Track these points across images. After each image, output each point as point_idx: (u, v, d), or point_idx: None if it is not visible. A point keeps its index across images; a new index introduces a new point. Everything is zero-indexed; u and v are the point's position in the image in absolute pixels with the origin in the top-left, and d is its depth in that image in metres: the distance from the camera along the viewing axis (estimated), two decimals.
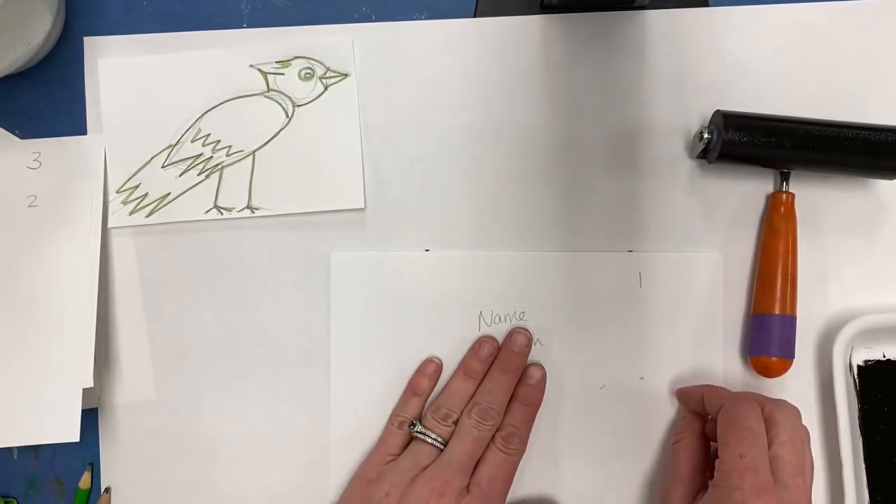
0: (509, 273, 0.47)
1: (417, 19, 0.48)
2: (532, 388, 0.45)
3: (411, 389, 0.46)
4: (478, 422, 0.44)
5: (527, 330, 0.46)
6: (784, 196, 0.46)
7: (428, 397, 0.46)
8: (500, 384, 0.45)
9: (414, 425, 0.45)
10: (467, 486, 0.42)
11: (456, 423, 0.44)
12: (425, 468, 0.43)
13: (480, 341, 0.46)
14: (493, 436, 0.44)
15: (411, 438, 0.45)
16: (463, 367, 0.46)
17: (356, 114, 0.47)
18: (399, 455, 0.44)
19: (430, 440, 0.44)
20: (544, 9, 0.48)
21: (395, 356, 0.47)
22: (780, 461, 0.38)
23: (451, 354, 0.47)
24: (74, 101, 0.48)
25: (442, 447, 0.44)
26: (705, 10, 0.48)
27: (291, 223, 0.47)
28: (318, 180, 0.47)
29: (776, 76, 0.47)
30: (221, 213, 0.47)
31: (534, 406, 0.46)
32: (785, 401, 0.42)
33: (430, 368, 0.46)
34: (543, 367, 0.46)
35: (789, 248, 0.45)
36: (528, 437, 0.45)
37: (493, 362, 0.46)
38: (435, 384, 0.46)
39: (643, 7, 0.47)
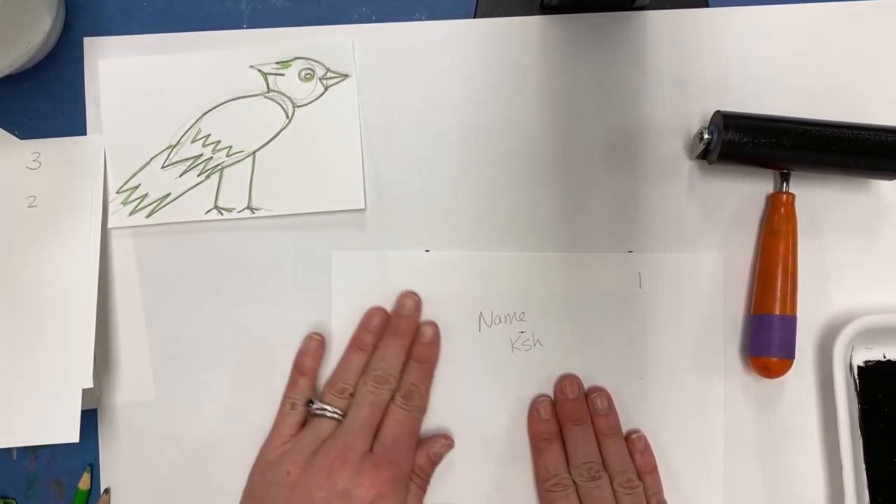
0: (509, 273, 0.47)
1: (417, 20, 0.48)
2: (426, 345, 0.46)
3: (297, 370, 0.46)
4: (374, 387, 0.43)
5: (415, 293, 0.46)
6: (784, 196, 0.46)
7: (315, 375, 0.46)
8: (392, 348, 0.45)
9: (312, 403, 0.44)
10: (371, 449, 0.42)
11: (353, 395, 0.44)
12: (326, 440, 0.43)
13: (370, 313, 0.46)
14: (393, 396, 0.44)
15: (309, 417, 0.45)
16: (354, 340, 0.46)
17: (356, 114, 0.47)
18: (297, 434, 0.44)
19: (328, 414, 0.44)
20: (544, 9, 0.48)
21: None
22: None
23: (450, 354, 0.47)
24: (74, 101, 0.48)
25: (341, 419, 0.43)
26: (705, 10, 0.48)
27: (291, 223, 0.47)
28: (318, 181, 0.47)
29: (776, 76, 0.47)
30: (221, 214, 0.47)
31: (429, 364, 0.46)
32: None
33: (311, 346, 0.46)
34: (436, 325, 0.46)
35: (789, 249, 0.45)
36: (427, 395, 0.45)
37: (383, 332, 0.46)
38: (320, 362, 0.46)
39: (643, 7, 0.47)
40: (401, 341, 0.45)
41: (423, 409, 0.45)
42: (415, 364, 0.45)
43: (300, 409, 0.45)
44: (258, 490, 0.43)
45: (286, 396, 0.46)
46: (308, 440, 0.43)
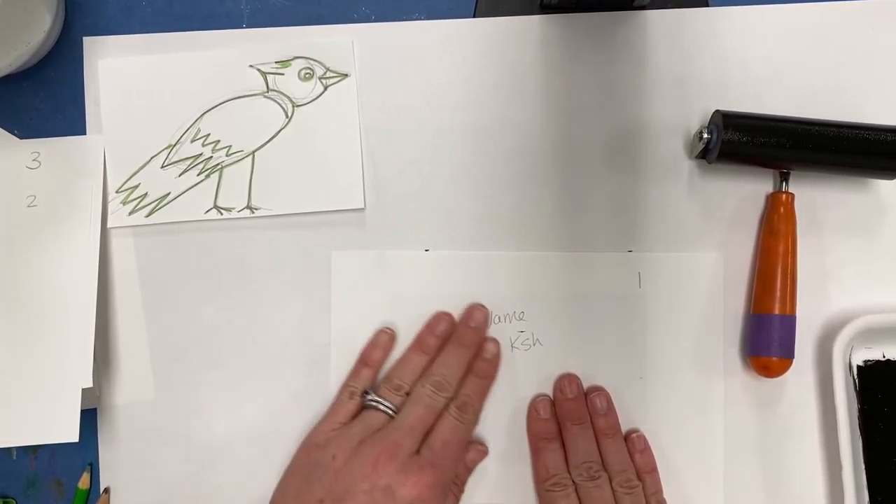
0: (509, 273, 0.47)
1: (417, 19, 0.48)
2: (488, 362, 0.46)
3: (363, 360, 0.46)
4: (432, 391, 0.43)
5: (484, 306, 0.46)
6: (784, 196, 0.46)
7: (379, 368, 0.46)
8: (455, 357, 0.45)
9: (367, 394, 0.44)
10: (418, 451, 0.42)
11: (408, 394, 0.44)
12: (376, 432, 0.42)
13: (437, 317, 0.46)
14: (447, 406, 0.44)
15: (363, 408, 0.44)
16: (417, 341, 0.46)
17: (356, 114, 0.47)
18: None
19: (382, 407, 0.43)
20: (544, 9, 0.48)
21: (395, 356, 0.47)
22: None
23: None
24: (74, 101, 0.48)
25: (393, 415, 0.43)
26: (705, 10, 0.48)
27: (291, 223, 0.47)
28: (317, 180, 0.47)
29: (776, 76, 0.47)
30: (221, 213, 0.47)
31: (488, 380, 0.46)
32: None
33: (382, 339, 0.46)
34: (499, 343, 0.46)
35: (789, 249, 0.45)
36: (481, 410, 0.45)
37: (448, 338, 0.46)
38: (387, 355, 0.46)
39: (643, 7, 0.47)
40: (465, 352, 0.45)
41: (474, 423, 0.45)
42: (474, 378, 0.45)
43: (357, 399, 0.45)
44: (302, 470, 0.43)
45: (346, 385, 0.46)
46: (358, 429, 0.43)
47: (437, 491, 0.41)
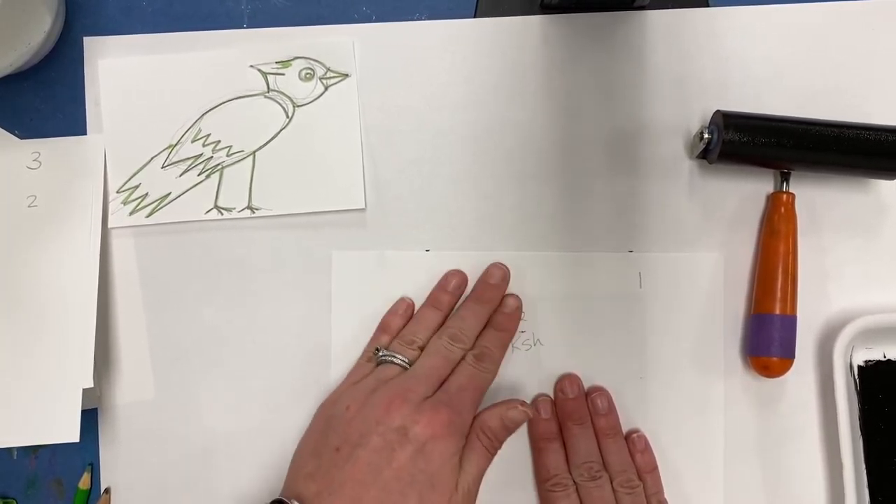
0: (509, 273, 0.47)
1: (417, 20, 0.48)
2: (507, 315, 0.45)
3: (381, 328, 0.46)
4: (448, 342, 0.43)
5: (503, 264, 0.46)
6: (784, 196, 0.46)
7: (397, 335, 0.46)
8: (473, 312, 0.45)
9: (379, 350, 0.44)
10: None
11: (422, 348, 0.44)
12: (388, 381, 0.42)
13: (448, 274, 0.46)
14: (465, 356, 0.43)
15: (377, 365, 0.44)
16: (430, 298, 0.46)
17: (356, 114, 0.47)
18: None
19: (396, 361, 0.43)
20: (544, 9, 0.48)
21: None
22: None
23: None
24: (74, 101, 0.48)
25: (408, 368, 0.43)
26: (705, 10, 0.48)
27: (292, 223, 0.47)
28: (318, 180, 0.47)
29: (776, 76, 0.47)
30: (221, 214, 0.47)
31: (508, 333, 0.45)
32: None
33: (401, 307, 0.46)
34: (519, 298, 0.46)
35: (789, 249, 0.45)
36: (500, 362, 0.45)
37: (460, 296, 0.46)
38: (405, 323, 0.46)
39: (643, 7, 0.47)
40: (483, 308, 0.45)
41: (493, 373, 0.44)
42: (492, 331, 0.45)
43: (373, 362, 0.44)
44: (318, 426, 0.43)
45: (365, 351, 0.46)
46: (371, 381, 0.42)
47: (453, 429, 0.40)
